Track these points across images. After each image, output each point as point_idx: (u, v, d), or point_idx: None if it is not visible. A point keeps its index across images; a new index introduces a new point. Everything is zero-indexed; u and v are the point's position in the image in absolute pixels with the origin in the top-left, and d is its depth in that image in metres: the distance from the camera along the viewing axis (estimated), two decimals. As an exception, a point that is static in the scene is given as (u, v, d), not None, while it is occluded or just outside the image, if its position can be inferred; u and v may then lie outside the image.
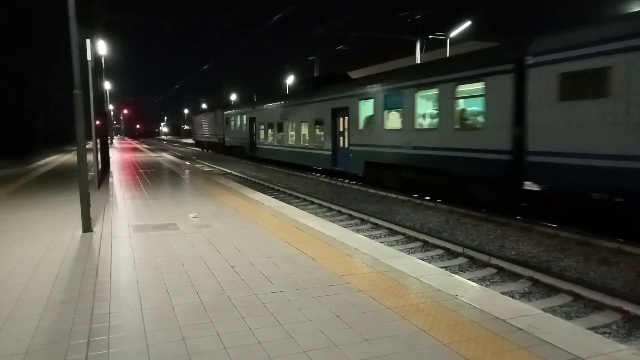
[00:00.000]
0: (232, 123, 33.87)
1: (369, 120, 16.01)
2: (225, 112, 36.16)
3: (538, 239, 8.68)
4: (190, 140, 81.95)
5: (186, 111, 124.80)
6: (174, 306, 3.78)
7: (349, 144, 17.16)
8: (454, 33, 25.46)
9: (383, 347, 3.08)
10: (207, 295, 4.03)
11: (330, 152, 18.64)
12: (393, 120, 14.72)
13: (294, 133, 22.41)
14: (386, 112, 14.86)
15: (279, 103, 24.74)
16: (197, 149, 50.45)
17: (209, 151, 44.22)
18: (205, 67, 48.43)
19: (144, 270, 4.76)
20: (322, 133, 19.34)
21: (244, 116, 30.68)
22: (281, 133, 24.12)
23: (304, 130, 21.25)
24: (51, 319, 3.56)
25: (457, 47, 24.64)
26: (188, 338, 3.21)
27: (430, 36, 25.78)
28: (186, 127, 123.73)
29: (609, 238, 8.07)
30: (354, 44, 32.34)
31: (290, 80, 42.48)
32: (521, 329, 3.33)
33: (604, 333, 4.92)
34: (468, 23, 24.94)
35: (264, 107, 26.78)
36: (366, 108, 16.15)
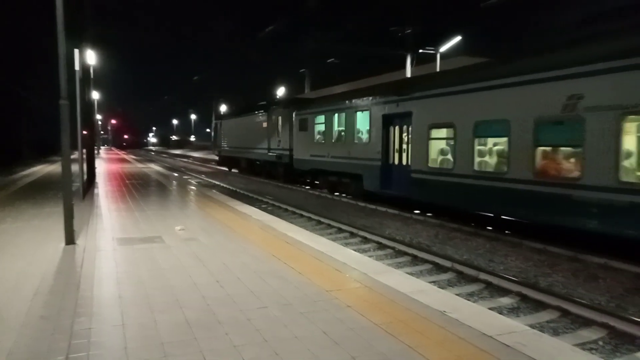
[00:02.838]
0: (320, 130, 18.36)
1: None
2: (298, 112, 20.32)
3: (527, 254, 8.70)
4: (179, 152, 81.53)
5: (174, 121, 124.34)
6: (157, 322, 3.69)
7: None
8: (444, 48, 25.78)
9: (370, 365, 3.02)
10: (191, 311, 3.95)
11: None
12: None
13: None
14: None
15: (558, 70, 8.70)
16: (223, 168, 33.38)
17: (228, 171, 30.59)
18: (195, 78, 47.73)
19: (127, 284, 4.66)
20: None
21: (365, 115, 15.26)
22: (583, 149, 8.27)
23: None
24: (29, 335, 3.46)
25: (447, 61, 24.95)
26: (170, 355, 3.12)
27: (420, 50, 26.07)
28: (175, 138, 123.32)
29: (596, 254, 8.11)
30: (344, 57, 32.61)
31: (281, 91, 42.63)
32: (509, 346, 3.30)
33: (590, 349, 4.91)
34: (458, 38, 25.29)
35: (453, 89, 11.29)
36: None
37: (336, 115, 17.10)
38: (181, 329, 3.56)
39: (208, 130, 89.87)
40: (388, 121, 14.01)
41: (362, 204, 14.79)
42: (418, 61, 25.65)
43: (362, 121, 15.66)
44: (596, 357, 3.30)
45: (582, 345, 4.94)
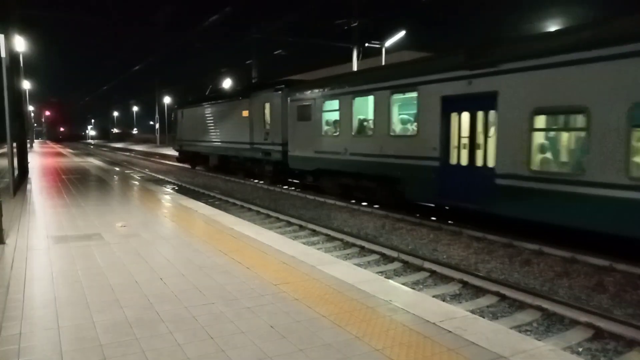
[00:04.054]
0: (331, 119, 14.36)
1: None
2: (296, 97, 15.89)
3: (467, 242, 9.07)
4: (120, 145, 78.19)
5: (114, 113, 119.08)
6: (95, 323, 3.52)
7: None
8: (389, 42, 26.25)
9: (316, 356, 3.04)
10: (132, 310, 3.80)
11: None
12: None
13: None
14: None
15: None
16: (184, 165, 28.86)
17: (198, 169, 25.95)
18: (136, 68, 45.54)
19: (62, 285, 4.41)
20: None
21: (408, 97, 11.62)
22: None
23: None
24: (-50, 343, 3.19)
25: (392, 56, 25.44)
26: (110, 357, 2.99)
27: (366, 44, 26.40)
28: (116, 130, 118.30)
29: (530, 240, 8.59)
30: (291, 49, 32.45)
31: (227, 83, 41.79)
32: (450, 331, 3.42)
33: (525, 331, 5.20)
34: (402, 33, 25.83)
35: (586, 55, 7.56)
36: None
37: (358, 99, 12.97)
38: (121, 330, 3.41)
39: (151, 122, 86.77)
40: (451, 105, 10.03)
41: (311, 197, 14.83)
42: (364, 54, 25.98)
43: (404, 106, 12.24)
44: (529, 338, 3.49)
45: (518, 328, 5.23)
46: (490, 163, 9.20)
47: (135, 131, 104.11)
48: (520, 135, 8.53)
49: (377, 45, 25.95)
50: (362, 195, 13.42)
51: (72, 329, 3.41)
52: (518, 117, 8.56)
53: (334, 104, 13.90)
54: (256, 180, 19.64)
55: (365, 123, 13.06)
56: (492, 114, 9.24)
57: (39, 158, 27.29)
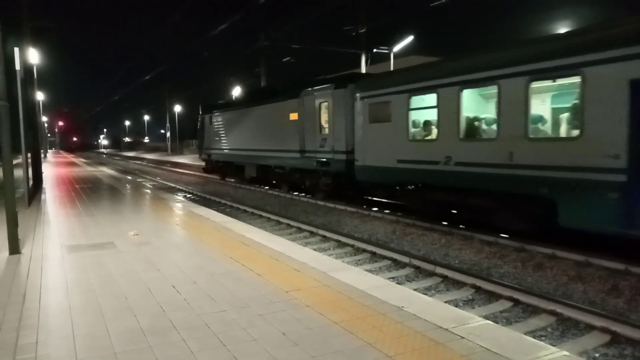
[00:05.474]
0: (420, 119, 11.22)
1: None
2: (367, 93, 12.53)
3: (479, 247, 9.00)
4: (131, 154, 78.92)
5: (126, 122, 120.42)
6: (109, 331, 3.56)
7: None
8: (397, 47, 26.29)
9: (329, 364, 3.04)
10: (145, 317, 3.83)
11: None
12: None
13: None
14: None
15: None
16: (213, 176, 25.66)
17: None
18: (147, 77, 45.96)
19: (77, 293, 4.47)
20: None
21: (560, 86, 8.79)
22: None
23: None
24: (-32, 352, 3.25)
25: (400, 61, 25.46)
26: (124, 365, 3.02)
27: (374, 50, 26.46)
28: (127, 139, 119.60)
29: (543, 244, 8.49)
30: (299, 56, 32.59)
31: (237, 91, 42.09)
32: (463, 337, 3.40)
33: (540, 336, 5.13)
34: (410, 38, 25.87)
35: None
36: None
37: (469, 92, 9.85)
38: (135, 337, 3.45)
39: (162, 130, 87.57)
40: None
41: (321, 203, 14.84)
42: (372, 60, 26.02)
43: (553, 98, 9.34)
44: (543, 344, 3.46)
45: (532, 333, 5.17)
46: None
47: (146, 140, 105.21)
48: None
49: (386, 51, 26.01)
50: (467, 216, 10.33)
51: (86, 337, 3.45)
52: None
53: (429, 99, 10.64)
54: (266, 187, 19.65)
55: (478, 123, 9.89)
56: None
57: (53, 168, 27.68)
